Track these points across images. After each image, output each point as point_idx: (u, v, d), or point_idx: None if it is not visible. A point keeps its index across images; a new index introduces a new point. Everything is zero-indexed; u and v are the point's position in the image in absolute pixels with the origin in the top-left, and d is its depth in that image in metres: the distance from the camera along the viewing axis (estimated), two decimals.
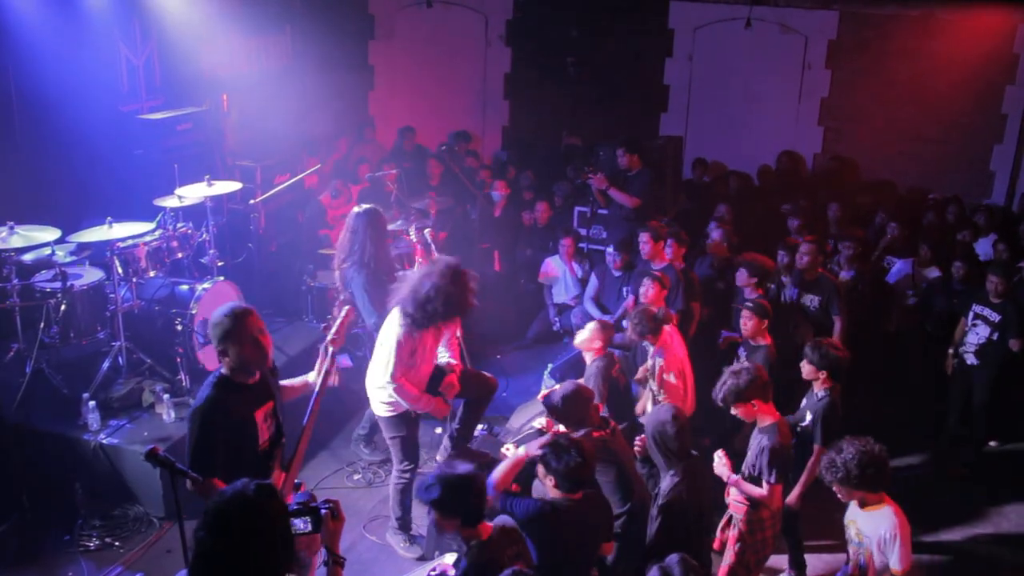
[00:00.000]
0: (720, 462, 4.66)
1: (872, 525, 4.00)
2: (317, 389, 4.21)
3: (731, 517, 4.71)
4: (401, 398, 4.92)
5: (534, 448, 4.20)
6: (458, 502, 3.67)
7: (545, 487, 4.16)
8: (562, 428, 4.73)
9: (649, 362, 5.70)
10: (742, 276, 6.45)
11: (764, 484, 4.48)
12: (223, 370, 3.86)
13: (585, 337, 5.68)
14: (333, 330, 4.38)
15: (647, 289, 6.30)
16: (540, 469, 4.12)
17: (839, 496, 4.08)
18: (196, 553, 2.57)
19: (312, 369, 4.37)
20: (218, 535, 2.55)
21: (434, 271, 4.82)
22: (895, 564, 3.94)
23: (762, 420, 4.59)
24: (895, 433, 6.76)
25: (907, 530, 3.97)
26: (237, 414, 3.84)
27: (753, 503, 4.55)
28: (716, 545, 4.83)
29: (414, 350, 4.89)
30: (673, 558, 3.21)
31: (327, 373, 4.25)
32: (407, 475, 5.23)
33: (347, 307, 4.65)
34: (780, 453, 4.47)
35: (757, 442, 4.57)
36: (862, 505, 4.05)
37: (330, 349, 4.31)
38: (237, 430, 3.84)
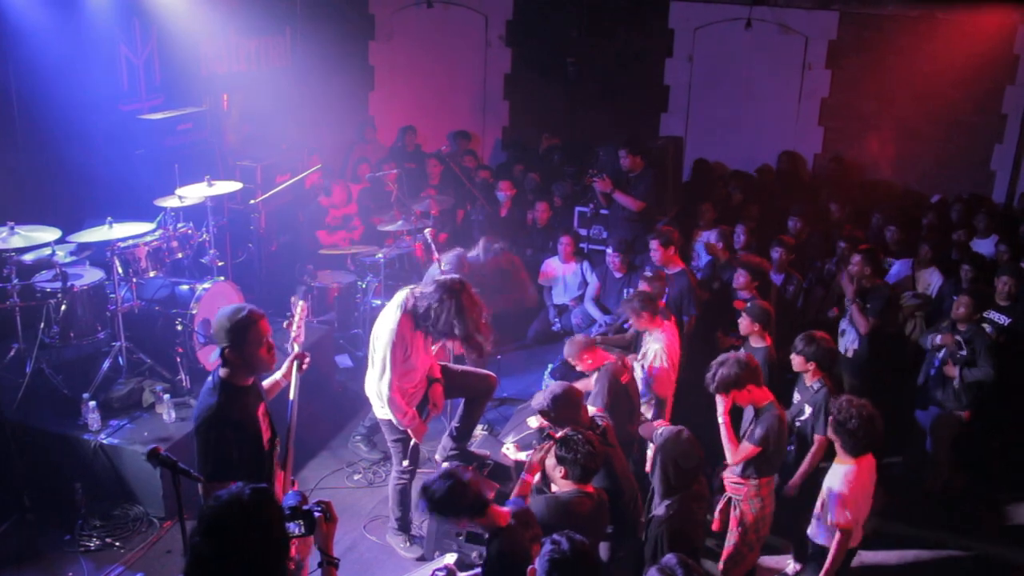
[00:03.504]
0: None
1: (832, 478, 4.25)
2: (294, 386, 4.24)
3: (730, 499, 4.76)
4: (391, 410, 4.93)
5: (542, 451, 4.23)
6: (454, 507, 3.68)
7: (553, 479, 4.18)
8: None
9: (644, 347, 5.71)
10: (741, 279, 6.45)
11: (745, 442, 4.62)
12: (221, 374, 3.82)
13: (570, 352, 5.65)
14: (294, 327, 4.41)
15: (653, 250, 6.43)
16: (549, 462, 4.13)
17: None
18: (191, 557, 2.56)
19: (296, 371, 4.33)
20: (213, 540, 2.54)
21: (441, 288, 4.75)
22: (830, 517, 4.20)
23: (759, 403, 4.70)
24: (895, 429, 6.81)
25: (855, 492, 4.18)
26: (244, 416, 3.83)
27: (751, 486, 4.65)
28: (715, 526, 4.89)
29: (407, 353, 4.88)
30: (672, 559, 3.21)
31: (298, 367, 4.27)
32: (407, 476, 5.24)
33: (301, 302, 4.65)
34: (776, 426, 4.61)
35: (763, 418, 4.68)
36: (837, 459, 4.28)
37: (295, 347, 4.35)
38: (247, 431, 3.83)
